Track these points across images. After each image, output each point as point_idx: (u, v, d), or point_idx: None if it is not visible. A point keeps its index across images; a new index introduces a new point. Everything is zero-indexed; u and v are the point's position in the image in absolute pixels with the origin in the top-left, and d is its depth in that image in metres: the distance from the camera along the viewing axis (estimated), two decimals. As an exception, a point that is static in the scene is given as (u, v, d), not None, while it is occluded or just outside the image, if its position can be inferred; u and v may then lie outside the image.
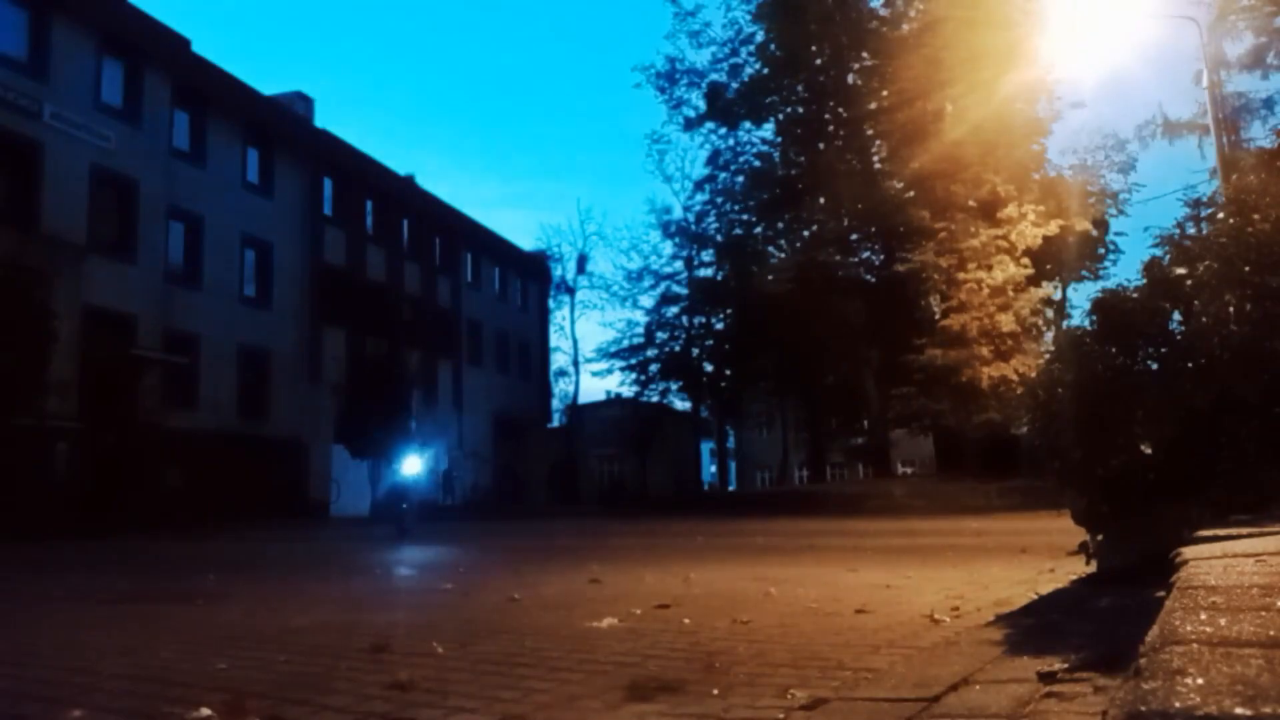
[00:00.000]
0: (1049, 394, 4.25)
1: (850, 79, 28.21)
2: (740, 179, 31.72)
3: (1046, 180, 26.59)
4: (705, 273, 36.90)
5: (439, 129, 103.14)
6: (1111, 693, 1.68)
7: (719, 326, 36.80)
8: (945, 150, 23.87)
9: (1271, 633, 0.90)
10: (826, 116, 28.80)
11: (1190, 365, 3.82)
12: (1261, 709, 0.66)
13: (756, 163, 31.27)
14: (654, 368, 38.98)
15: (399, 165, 36.88)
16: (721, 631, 3.31)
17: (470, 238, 36.87)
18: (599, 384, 75.95)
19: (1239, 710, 0.66)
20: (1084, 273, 30.78)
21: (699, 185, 34.87)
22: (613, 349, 40.04)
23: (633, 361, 39.33)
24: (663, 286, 39.35)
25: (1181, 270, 3.99)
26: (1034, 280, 24.52)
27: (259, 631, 3.59)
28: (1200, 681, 0.74)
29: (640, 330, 39.52)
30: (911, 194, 25.65)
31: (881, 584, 4.72)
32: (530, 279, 42.49)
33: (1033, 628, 2.97)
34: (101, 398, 18.38)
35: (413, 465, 13.10)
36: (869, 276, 28.17)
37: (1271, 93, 25.52)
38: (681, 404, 42.23)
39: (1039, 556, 6.05)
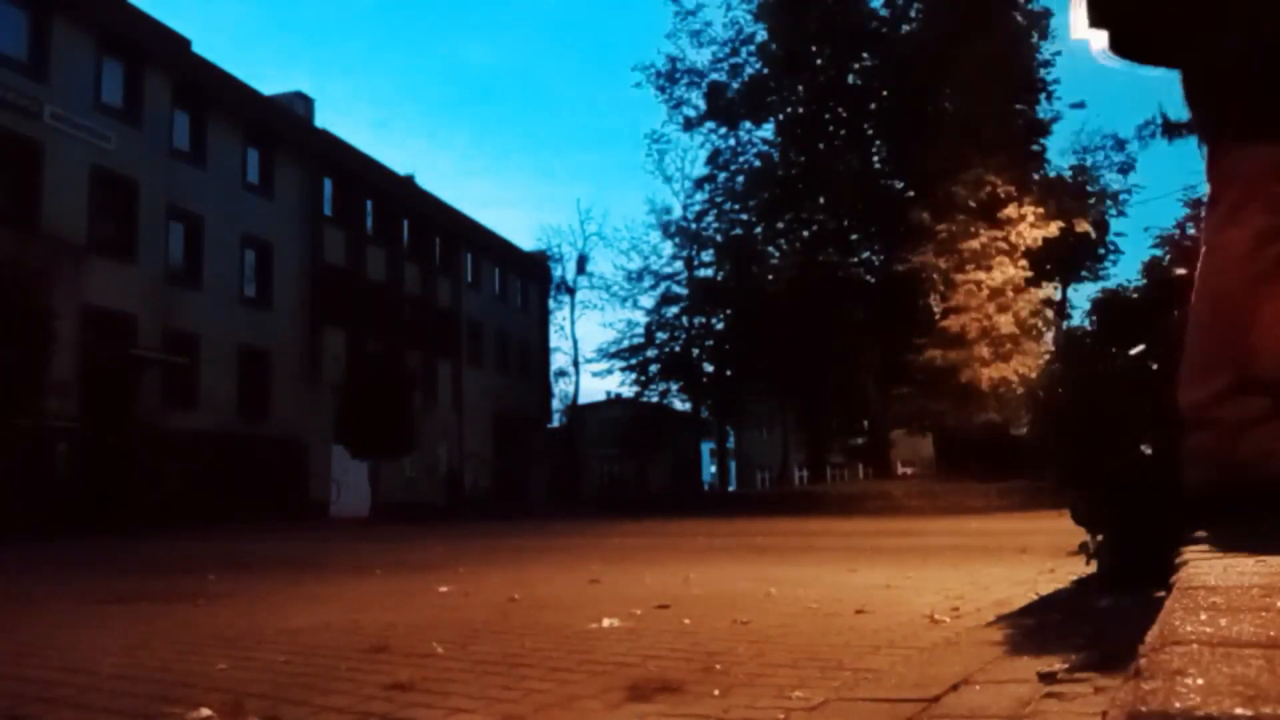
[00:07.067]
0: (1049, 394, 4.25)
1: (850, 79, 28.23)
2: (740, 179, 31.74)
3: (1046, 180, 26.59)
4: (705, 273, 36.94)
5: (439, 129, 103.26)
6: (1111, 693, 1.68)
7: (719, 327, 36.77)
8: (945, 151, 23.88)
9: (1272, 633, 0.90)
10: (826, 116, 28.83)
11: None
12: (1261, 709, 0.66)
13: (757, 163, 31.28)
14: (654, 368, 38.95)
15: (399, 165, 36.94)
16: (721, 631, 3.31)
17: (470, 238, 36.88)
18: (599, 384, 76.36)
19: (1239, 710, 0.66)
20: (1084, 273, 30.76)
21: (699, 185, 34.90)
22: (613, 349, 40.08)
23: (633, 362, 39.33)
24: (663, 287, 39.38)
25: (1181, 270, 3.99)
26: (1034, 281, 24.53)
27: (259, 631, 3.59)
28: (1200, 682, 0.74)
29: (640, 330, 39.55)
30: (911, 194, 25.68)
31: (881, 584, 4.72)
32: (530, 279, 42.48)
33: (1033, 628, 2.97)
34: (101, 398, 18.38)
35: None
36: (869, 277, 28.21)
37: (1271, 93, 25.54)
38: (681, 404, 42.22)
39: (1039, 556, 6.05)
